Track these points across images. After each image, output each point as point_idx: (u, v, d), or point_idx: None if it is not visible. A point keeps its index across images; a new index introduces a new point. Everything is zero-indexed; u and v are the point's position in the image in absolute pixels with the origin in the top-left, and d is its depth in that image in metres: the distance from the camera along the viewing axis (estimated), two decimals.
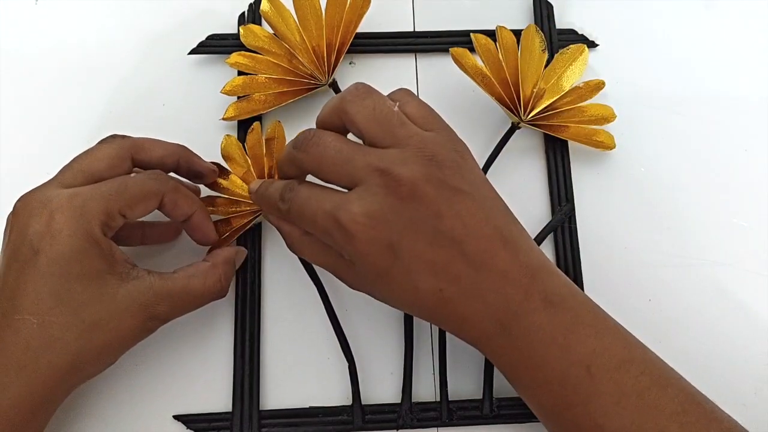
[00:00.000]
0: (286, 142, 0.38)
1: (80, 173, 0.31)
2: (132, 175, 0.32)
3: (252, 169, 0.37)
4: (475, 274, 0.29)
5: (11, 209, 0.31)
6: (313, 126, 0.33)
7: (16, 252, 0.29)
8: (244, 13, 0.43)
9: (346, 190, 0.30)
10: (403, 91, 0.32)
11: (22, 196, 0.31)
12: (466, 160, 0.31)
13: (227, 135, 0.38)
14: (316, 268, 0.37)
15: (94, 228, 0.30)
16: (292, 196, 0.31)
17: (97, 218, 0.30)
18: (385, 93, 0.33)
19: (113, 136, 0.34)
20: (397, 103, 0.31)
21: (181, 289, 0.32)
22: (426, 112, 0.32)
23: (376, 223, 0.28)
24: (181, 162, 0.35)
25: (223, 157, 0.38)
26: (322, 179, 0.30)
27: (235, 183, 0.37)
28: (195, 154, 0.36)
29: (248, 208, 0.37)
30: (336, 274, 0.32)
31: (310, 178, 0.33)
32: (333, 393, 0.36)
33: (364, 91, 0.31)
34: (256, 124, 0.38)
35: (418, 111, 0.31)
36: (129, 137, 0.34)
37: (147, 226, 0.37)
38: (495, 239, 0.29)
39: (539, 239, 0.38)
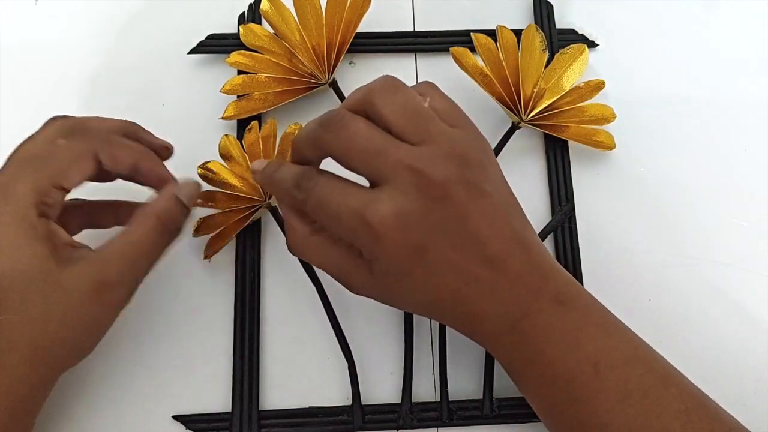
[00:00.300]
0: (278, 140, 0.38)
1: (17, 161, 0.30)
2: (59, 141, 0.30)
3: (250, 166, 0.37)
4: (492, 275, 0.29)
5: None
6: None
7: None
8: (244, 12, 0.43)
9: (366, 182, 0.29)
10: (429, 85, 0.32)
11: None
12: (490, 160, 0.31)
13: (226, 135, 0.38)
14: (316, 268, 0.37)
15: (27, 211, 0.28)
16: (312, 185, 0.29)
17: (27, 199, 0.28)
18: None
19: (54, 118, 0.32)
20: (428, 99, 0.30)
21: (122, 247, 0.30)
22: (451, 108, 0.31)
23: (405, 225, 0.28)
24: (128, 137, 0.33)
25: (222, 156, 0.38)
26: (346, 167, 0.29)
27: (234, 179, 0.37)
28: (145, 130, 0.34)
29: (248, 204, 0.37)
30: (342, 277, 0.31)
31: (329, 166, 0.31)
32: (333, 393, 0.36)
33: (393, 84, 0.30)
34: (253, 123, 0.38)
35: (444, 106, 0.31)
36: (70, 117, 0.32)
37: (119, 206, 0.35)
38: (513, 240, 0.29)
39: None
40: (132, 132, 0.33)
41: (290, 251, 0.33)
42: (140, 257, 0.30)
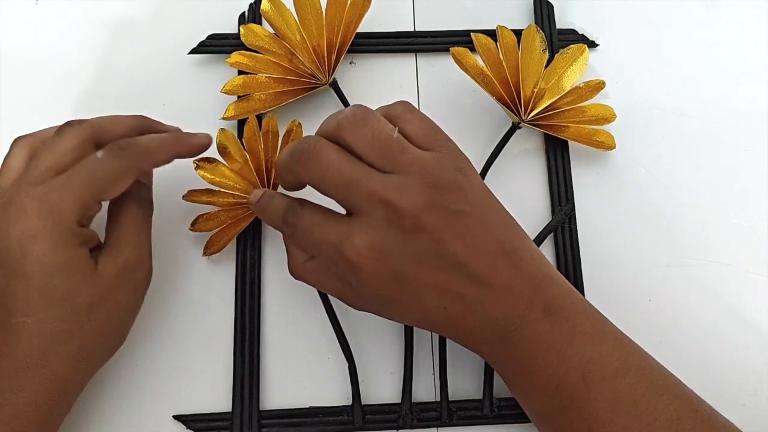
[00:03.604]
0: (280, 137, 0.38)
1: (48, 171, 0.30)
2: (99, 155, 0.31)
3: (249, 163, 0.37)
4: (478, 291, 0.29)
5: None
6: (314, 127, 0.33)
7: (2, 258, 0.29)
8: (244, 12, 0.43)
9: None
10: (403, 106, 0.31)
11: None
12: (468, 177, 0.31)
13: (222, 129, 0.38)
14: None
15: (71, 223, 0.29)
16: (295, 221, 0.31)
17: (73, 214, 0.29)
18: (385, 95, 0.33)
19: (69, 124, 0.32)
20: (396, 128, 0.30)
21: (132, 229, 0.32)
22: (426, 129, 0.31)
23: (379, 255, 0.29)
24: (143, 133, 0.34)
25: (219, 151, 0.38)
26: (322, 194, 0.30)
27: (233, 178, 0.37)
28: (155, 121, 0.35)
29: (244, 201, 0.37)
30: (341, 298, 0.32)
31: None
32: (333, 393, 0.36)
33: (361, 117, 0.30)
34: (252, 117, 0.38)
35: (419, 129, 0.31)
36: (86, 121, 0.32)
37: None
38: (497, 254, 0.30)
39: (539, 239, 0.38)
40: (146, 128, 0.34)
41: (291, 276, 0.33)
42: (144, 229, 0.33)
